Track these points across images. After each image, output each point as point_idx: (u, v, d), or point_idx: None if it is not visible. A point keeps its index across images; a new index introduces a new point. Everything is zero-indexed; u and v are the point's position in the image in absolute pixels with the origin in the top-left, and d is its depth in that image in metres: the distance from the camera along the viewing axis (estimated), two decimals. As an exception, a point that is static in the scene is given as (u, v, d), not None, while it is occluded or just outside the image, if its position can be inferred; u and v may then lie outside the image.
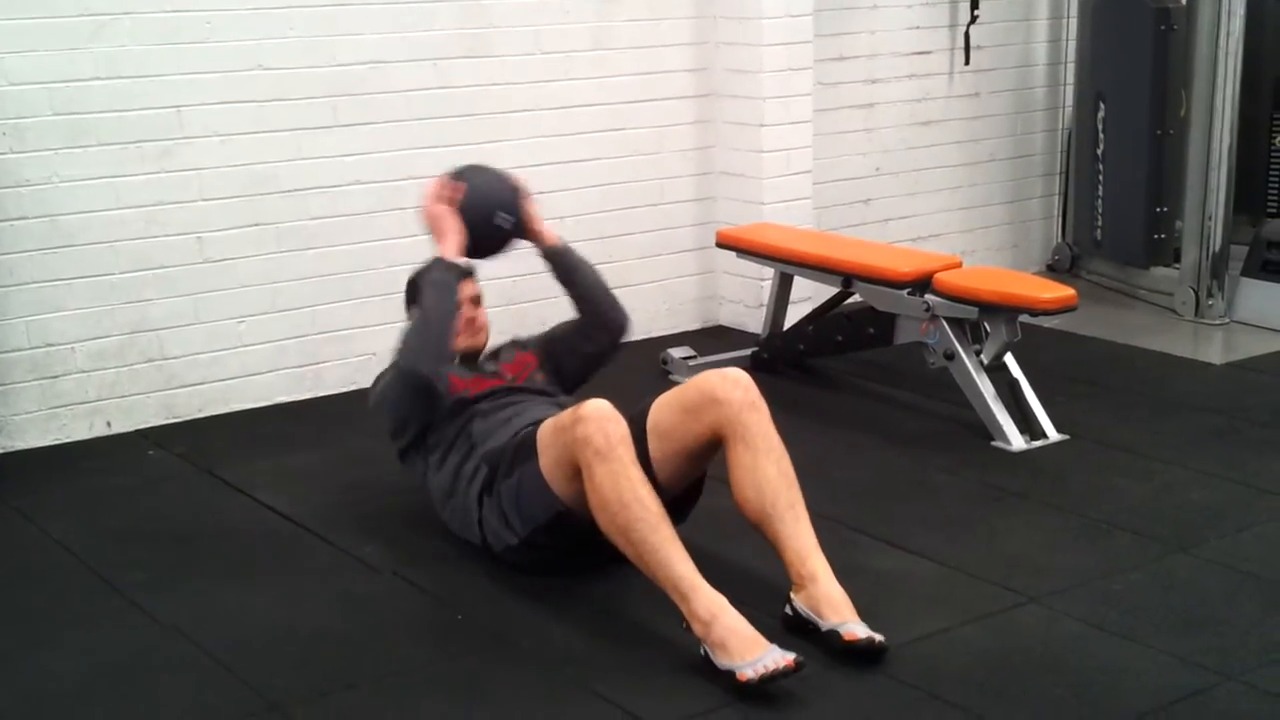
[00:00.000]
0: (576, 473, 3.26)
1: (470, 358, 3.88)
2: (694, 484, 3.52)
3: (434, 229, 3.70)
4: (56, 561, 3.78)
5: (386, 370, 3.75)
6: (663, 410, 3.43)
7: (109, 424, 4.73)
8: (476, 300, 3.88)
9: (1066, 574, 3.56)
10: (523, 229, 3.79)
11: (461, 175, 3.74)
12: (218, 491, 4.25)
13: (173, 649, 3.27)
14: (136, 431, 4.74)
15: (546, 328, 4.07)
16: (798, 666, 2.94)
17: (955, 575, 3.57)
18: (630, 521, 3.12)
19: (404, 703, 3.01)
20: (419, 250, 5.13)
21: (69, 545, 3.86)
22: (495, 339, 4.01)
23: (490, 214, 3.70)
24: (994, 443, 4.47)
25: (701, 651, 3.05)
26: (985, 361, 4.54)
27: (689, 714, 2.93)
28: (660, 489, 3.35)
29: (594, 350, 3.94)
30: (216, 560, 3.76)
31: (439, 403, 3.68)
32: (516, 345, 4.00)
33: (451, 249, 3.65)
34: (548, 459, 3.37)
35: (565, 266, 3.88)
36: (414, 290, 3.79)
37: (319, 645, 3.28)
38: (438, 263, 3.65)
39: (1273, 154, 6.37)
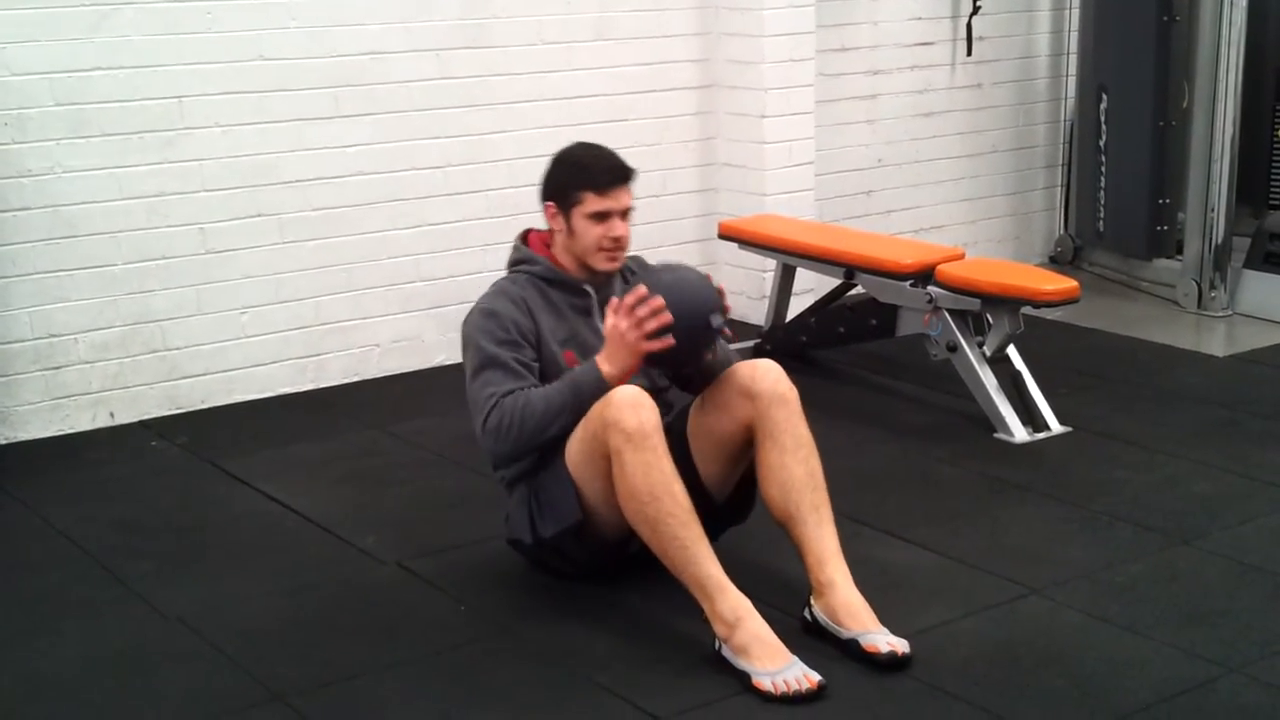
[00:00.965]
0: (605, 467, 3.14)
1: (603, 283, 3.46)
2: (743, 482, 3.40)
3: (615, 353, 3.21)
4: (59, 552, 3.79)
5: (490, 411, 3.27)
6: (696, 412, 3.37)
7: (112, 415, 4.73)
8: (626, 214, 3.38)
9: (1068, 566, 3.56)
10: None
11: (661, 290, 3.19)
12: (220, 482, 4.25)
13: (175, 639, 3.28)
14: (139, 422, 4.74)
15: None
16: (820, 689, 2.92)
17: (957, 567, 3.57)
18: (660, 515, 3.06)
19: (406, 693, 3.02)
20: (420, 241, 5.19)
21: (71, 535, 3.87)
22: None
23: (704, 323, 3.23)
24: (996, 434, 4.47)
25: (715, 646, 3.05)
26: (988, 353, 4.54)
27: (691, 706, 2.93)
28: (709, 496, 3.34)
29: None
30: (219, 551, 3.77)
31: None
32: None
33: (618, 377, 3.21)
34: (575, 452, 3.23)
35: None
36: (556, 183, 3.39)
37: (321, 636, 3.28)
38: (600, 379, 3.21)
39: (1275, 145, 6.36)
